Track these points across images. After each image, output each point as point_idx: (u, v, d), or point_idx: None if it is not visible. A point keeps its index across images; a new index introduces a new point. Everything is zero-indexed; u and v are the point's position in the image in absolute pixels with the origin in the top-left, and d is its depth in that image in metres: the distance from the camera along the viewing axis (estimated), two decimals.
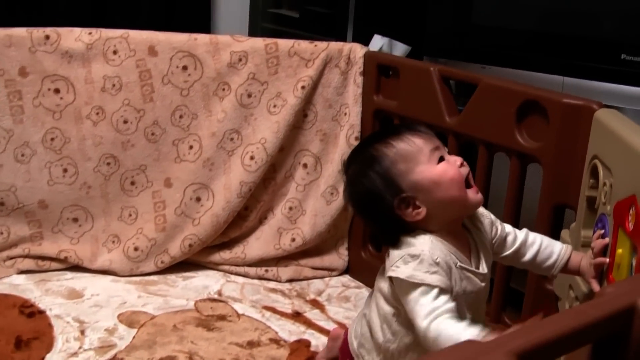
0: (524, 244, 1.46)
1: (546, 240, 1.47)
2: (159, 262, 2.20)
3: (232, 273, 2.25)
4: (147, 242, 2.20)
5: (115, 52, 2.14)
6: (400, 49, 2.22)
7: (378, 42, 2.21)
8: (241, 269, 2.24)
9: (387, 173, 1.34)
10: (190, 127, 2.21)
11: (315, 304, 2.11)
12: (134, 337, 1.86)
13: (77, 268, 2.19)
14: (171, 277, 2.20)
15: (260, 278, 2.23)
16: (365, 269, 2.26)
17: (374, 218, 1.43)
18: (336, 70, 2.20)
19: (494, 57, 2.11)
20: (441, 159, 1.35)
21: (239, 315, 2.01)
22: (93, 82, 2.14)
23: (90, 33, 2.14)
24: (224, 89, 2.20)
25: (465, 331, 1.23)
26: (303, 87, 2.18)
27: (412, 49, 2.23)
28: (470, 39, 2.17)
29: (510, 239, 1.46)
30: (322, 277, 2.28)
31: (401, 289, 1.32)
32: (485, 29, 2.13)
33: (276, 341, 1.89)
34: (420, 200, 1.33)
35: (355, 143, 2.19)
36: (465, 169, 1.36)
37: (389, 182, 1.34)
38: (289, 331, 1.94)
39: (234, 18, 3.22)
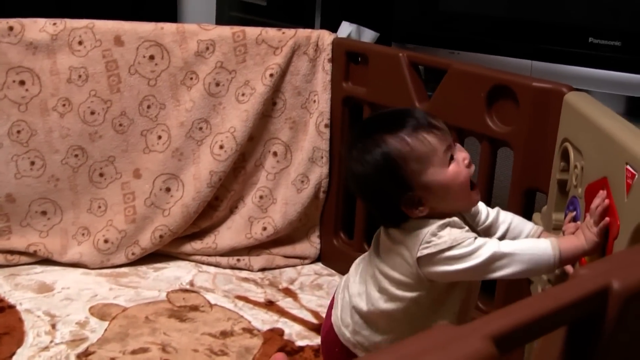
0: (494, 222, 1.46)
1: (517, 219, 1.47)
2: (130, 253, 2.19)
3: (203, 263, 2.24)
4: (117, 234, 2.18)
5: (80, 43, 2.12)
6: (368, 35, 2.21)
7: (346, 29, 2.21)
8: (213, 259, 2.23)
9: (397, 171, 1.29)
10: (159, 117, 2.19)
11: (288, 292, 2.11)
12: (105, 329, 1.85)
13: (46, 261, 2.17)
14: (142, 269, 2.19)
15: (232, 268, 2.22)
16: (337, 257, 2.26)
17: (375, 206, 1.38)
18: (304, 57, 2.19)
19: (462, 43, 2.11)
20: (451, 158, 1.31)
21: (211, 306, 2.00)
22: (59, 74, 2.12)
23: (54, 24, 2.11)
24: (191, 78, 2.18)
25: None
26: (271, 75, 2.17)
27: (380, 35, 2.23)
28: (438, 25, 2.17)
29: (482, 217, 1.46)
30: (294, 266, 2.27)
31: (444, 260, 1.28)
32: (453, 15, 2.13)
33: (249, 330, 1.88)
34: (427, 199, 1.30)
35: (325, 130, 2.19)
36: (472, 169, 1.34)
37: (398, 180, 1.29)
38: (262, 320, 1.94)
39: (201, 7, 3.20)
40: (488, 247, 1.25)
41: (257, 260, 2.24)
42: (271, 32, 2.19)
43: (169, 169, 2.20)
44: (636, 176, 1.13)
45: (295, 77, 2.20)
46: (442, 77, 1.88)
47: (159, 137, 2.20)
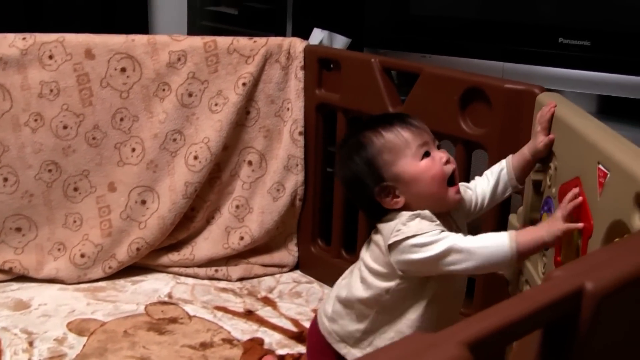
0: (474, 190, 1.49)
1: (486, 171, 1.51)
2: (107, 267, 2.17)
3: (181, 275, 2.23)
4: (94, 248, 2.16)
5: (51, 57, 2.11)
6: (340, 41, 2.21)
7: (318, 36, 2.21)
8: (191, 270, 2.22)
9: (371, 161, 1.37)
10: (132, 130, 2.18)
11: (267, 301, 2.10)
12: (84, 345, 1.83)
13: (22, 278, 2.15)
14: (120, 282, 2.17)
15: (211, 278, 2.21)
16: (315, 264, 2.26)
17: (358, 200, 1.46)
18: (277, 65, 2.19)
19: (434, 46, 2.11)
20: (426, 155, 1.37)
21: (190, 317, 1.99)
22: (30, 88, 2.10)
23: (24, 38, 2.10)
24: (164, 90, 2.17)
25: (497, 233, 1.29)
26: (244, 84, 2.16)
27: (352, 40, 2.23)
28: (409, 29, 2.17)
29: (471, 205, 1.49)
30: (272, 274, 2.27)
31: (408, 248, 1.31)
32: (424, 19, 2.13)
33: (229, 341, 1.88)
34: (400, 191, 1.36)
35: (300, 138, 2.19)
36: (450, 167, 1.38)
37: (372, 170, 1.37)
38: (242, 330, 1.93)
39: (172, 17, 3.19)
40: (447, 240, 1.28)
41: (235, 270, 2.23)
42: (243, 41, 2.18)
43: (144, 181, 2.18)
44: (608, 175, 1.14)
45: (268, 85, 2.20)
46: (414, 81, 1.88)
47: (133, 150, 2.19)
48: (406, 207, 1.37)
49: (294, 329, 1.95)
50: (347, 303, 1.44)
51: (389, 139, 1.37)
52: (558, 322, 0.68)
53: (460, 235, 1.31)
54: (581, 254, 1.22)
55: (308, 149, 2.21)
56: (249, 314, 2.02)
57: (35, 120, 2.11)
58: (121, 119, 2.17)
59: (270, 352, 1.83)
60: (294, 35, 2.38)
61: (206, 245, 2.25)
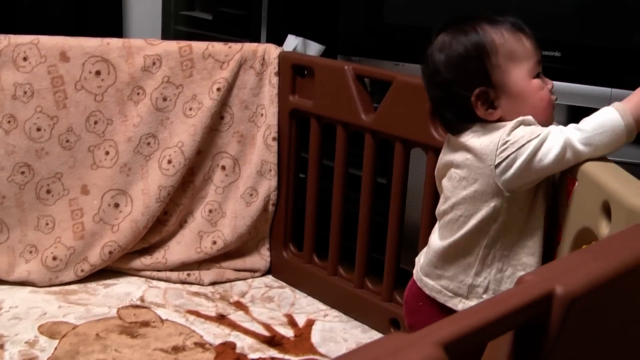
0: None
1: None
2: (79, 270, 2.17)
3: (154, 278, 2.23)
4: (66, 251, 2.16)
5: (25, 59, 2.11)
6: (314, 48, 2.23)
7: (292, 42, 2.22)
8: (163, 274, 2.23)
9: (484, 59, 1.26)
10: (106, 133, 2.19)
11: (239, 305, 2.11)
12: (55, 348, 1.83)
13: None
14: (92, 286, 2.17)
15: (183, 282, 2.22)
16: (287, 269, 2.27)
17: (443, 95, 1.32)
18: (251, 71, 2.20)
19: (407, 54, 2.13)
20: (538, 76, 1.28)
21: (162, 321, 1.99)
22: (3, 90, 2.10)
23: None
24: (138, 93, 2.18)
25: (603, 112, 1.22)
26: (219, 89, 2.18)
27: (326, 48, 2.25)
28: (383, 37, 2.19)
29: None
30: (244, 279, 2.28)
31: (523, 160, 1.21)
32: (398, 27, 2.15)
33: (201, 345, 1.88)
34: (500, 102, 1.27)
35: (273, 143, 2.20)
36: (554, 97, 1.30)
37: (481, 69, 1.26)
38: (214, 334, 1.94)
39: (147, 21, 3.19)
40: (559, 137, 1.21)
41: (208, 274, 2.23)
42: (218, 47, 2.20)
43: (117, 185, 2.19)
44: (576, 183, 1.17)
45: (242, 91, 2.21)
46: (387, 89, 1.90)
47: (107, 153, 2.19)
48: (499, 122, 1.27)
49: (265, 333, 1.96)
50: (447, 250, 1.33)
51: (510, 43, 1.27)
52: (529, 324, 0.70)
53: (569, 128, 1.23)
54: (554, 258, 1.25)
55: (281, 154, 2.23)
56: (221, 318, 2.02)
57: (9, 122, 2.11)
58: (95, 122, 2.17)
59: (243, 356, 1.84)
60: (268, 41, 2.40)
61: (179, 249, 2.25)
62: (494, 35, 1.27)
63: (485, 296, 1.31)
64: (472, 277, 1.32)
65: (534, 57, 1.28)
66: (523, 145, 1.21)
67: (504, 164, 1.22)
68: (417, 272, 1.42)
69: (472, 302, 1.31)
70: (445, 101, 1.32)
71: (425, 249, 1.43)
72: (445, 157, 1.36)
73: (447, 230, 1.34)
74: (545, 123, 1.27)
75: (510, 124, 1.23)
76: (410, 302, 1.45)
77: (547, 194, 1.29)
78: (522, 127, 1.23)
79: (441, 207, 1.36)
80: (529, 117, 1.25)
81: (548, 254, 1.28)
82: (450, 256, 1.34)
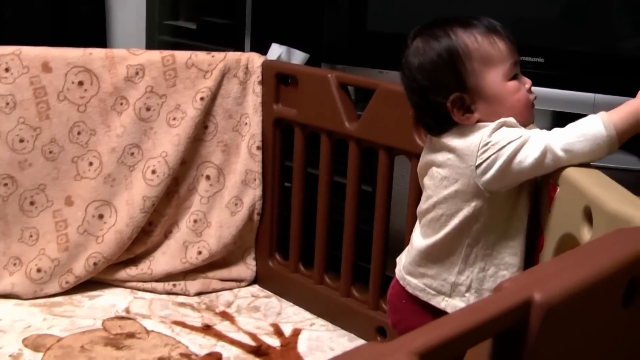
0: None
1: None
2: (64, 282, 2.16)
3: (139, 289, 2.22)
4: (50, 263, 2.15)
5: (7, 70, 2.10)
6: (298, 57, 2.23)
7: (276, 51, 2.22)
8: (148, 285, 2.22)
9: (458, 64, 1.26)
10: (89, 144, 2.18)
11: (225, 315, 2.10)
12: None
13: None
14: (77, 297, 2.16)
15: (169, 293, 2.21)
16: (273, 278, 2.26)
17: (422, 102, 1.32)
18: (235, 80, 2.20)
19: (390, 62, 2.13)
20: (515, 77, 1.28)
21: (148, 332, 1.98)
22: None
23: None
24: (122, 104, 2.17)
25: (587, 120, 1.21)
26: (202, 99, 2.17)
27: (310, 56, 2.25)
28: (366, 45, 2.19)
29: None
30: (230, 289, 2.27)
31: (502, 161, 1.22)
32: (381, 35, 2.15)
33: (187, 355, 1.87)
34: (477, 107, 1.27)
35: (258, 152, 2.20)
36: (532, 96, 1.30)
37: (456, 74, 1.26)
38: (200, 345, 1.93)
39: (131, 31, 3.18)
40: (540, 141, 1.21)
41: (193, 285, 2.22)
42: (201, 56, 2.19)
43: (101, 196, 2.18)
44: (558, 189, 1.17)
45: (226, 100, 2.21)
46: (371, 97, 1.90)
47: (90, 164, 2.18)
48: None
49: (252, 343, 1.95)
50: (430, 249, 1.34)
51: (483, 47, 1.26)
52: (507, 332, 0.69)
53: (551, 132, 1.22)
54: (534, 263, 1.24)
55: (266, 163, 2.22)
56: (207, 329, 2.02)
57: None
58: (78, 133, 2.16)
59: None
60: (252, 50, 2.40)
61: (164, 259, 2.24)
62: (466, 40, 1.26)
63: (467, 294, 1.32)
64: (455, 276, 1.32)
65: (510, 59, 1.27)
66: (504, 146, 1.21)
67: (484, 164, 1.23)
68: (399, 270, 1.43)
69: (454, 301, 1.33)
70: (423, 107, 1.33)
71: (407, 248, 1.43)
72: (427, 156, 1.36)
73: (430, 228, 1.34)
74: (524, 123, 1.28)
75: (492, 125, 1.24)
76: (393, 300, 1.46)
77: (529, 195, 1.29)
78: (504, 128, 1.23)
79: (423, 205, 1.36)
80: (511, 119, 1.25)
81: (530, 260, 1.28)
82: (433, 255, 1.34)
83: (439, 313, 1.34)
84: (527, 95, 1.29)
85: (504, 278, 1.29)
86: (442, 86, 1.27)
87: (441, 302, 1.34)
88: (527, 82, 1.30)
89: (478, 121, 1.27)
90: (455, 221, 1.29)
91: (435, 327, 0.63)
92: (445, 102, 1.26)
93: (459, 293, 1.33)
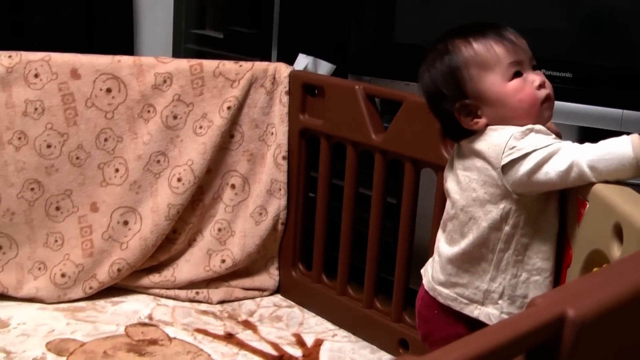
0: None
1: None
2: (87, 287, 2.17)
3: (162, 296, 2.22)
4: (75, 268, 2.16)
5: (36, 76, 2.11)
6: (324, 67, 2.23)
7: (303, 61, 2.22)
8: (171, 292, 2.22)
9: (455, 72, 1.30)
10: (116, 150, 2.19)
11: (247, 324, 2.10)
12: None
13: (1, 297, 2.14)
14: (100, 303, 2.17)
15: (191, 300, 2.21)
16: (296, 288, 2.26)
17: (436, 113, 1.39)
18: (262, 90, 2.21)
19: (417, 74, 2.14)
20: (517, 75, 1.28)
21: (170, 339, 1.98)
22: (14, 107, 2.10)
23: (10, 56, 2.10)
24: (149, 111, 2.18)
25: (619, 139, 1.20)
26: (229, 108, 2.18)
27: (336, 67, 2.25)
28: (393, 57, 2.19)
29: None
30: (253, 298, 2.27)
31: (528, 166, 1.22)
32: (408, 47, 2.15)
33: None
34: (483, 111, 1.29)
35: (283, 162, 2.20)
36: (544, 91, 1.29)
37: (455, 82, 1.30)
38: (222, 353, 1.93)
39: (158, 39, 3.20)
40: (569, 154, 1.21)
41: (216, 293, 2.23)
42: (228, 65, 2.20)
43: (127, 202, 2.19)
44: (587, 206, 1.16)
45: (252, 109, 2.21)
46: (398, 109, 1.90)
47: (117, 170, 2.19)
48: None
49: (274, 352, 1.95)
50: (461, 256, 1.34)
51: (478, 52, 1.29)
52: (540, 348, 0.69)
53: (581, 146, 1.22)
54: (561, 283, 1.24)
55: (291, 173, 2.22)
56: (229, 337, 2.02)
57: (19, 138, 2.11)
58: (105, 140, 2.17)
59: None
60: (279, 60, 2.40)
61: (187, 267, 2.25)
62: (462, 49, 1.30)
63: (500, 301, 1.31)
64: (487, 283, 1.32)
65: (508, 59, 1.29)
66: (530, 153, 1.22)
67: (509, 167, 1.24)
68: (428, 281, 1.42)
69: (487, 308, 1.32)
70: (439, 117, 1.39)
71: (432, 259, 1.43)
72: (453, 161, 1.38)
73: (457, 234, 1.35)
74: (535, 122, 1.27)
75: (519, 129, 1.24)
76: (424, 312, 1.45)
77: (557, 201, 1.29)
78: (532, 134, 1.24)
79: (450, 211, 1.37)
80: (539, 126, 1.25)
81: (558, 275, 1.27)
82: (464, 263, 1.34)
83: (471, 322, 1.34)
84: (533, 92, 1.28)
85: (537, 283, 1.29)
86: (447, 96, 1.31)
87: (474, 311, 1.34)
88: (537, 78, 1.29)
89: (487, 125, 1.29)
90: (484, 225, 1.29)
91: (468, 342, 0.63)
92: (453, 111, 1.31)
93: (491, 300, 1.32)
